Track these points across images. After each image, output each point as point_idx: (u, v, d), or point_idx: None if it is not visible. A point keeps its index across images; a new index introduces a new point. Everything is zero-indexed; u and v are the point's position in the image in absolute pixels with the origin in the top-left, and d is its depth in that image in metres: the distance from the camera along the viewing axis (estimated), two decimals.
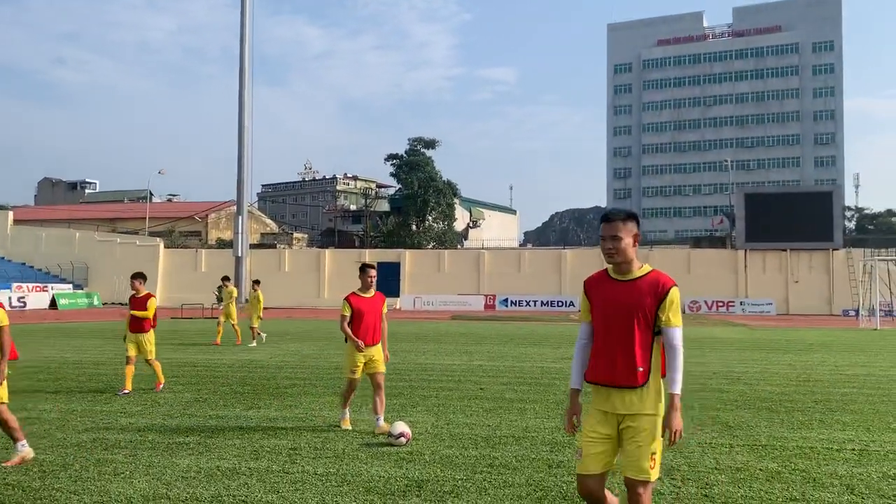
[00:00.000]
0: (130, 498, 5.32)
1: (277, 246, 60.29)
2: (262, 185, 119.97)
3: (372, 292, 7.92)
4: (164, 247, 53.46)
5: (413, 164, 69.67)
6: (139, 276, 10.81)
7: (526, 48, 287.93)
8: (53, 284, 47.48)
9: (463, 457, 6.61)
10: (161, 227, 64.74)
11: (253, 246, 54.95)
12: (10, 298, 41.61)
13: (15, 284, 43.80)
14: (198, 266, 51.97)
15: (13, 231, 55.29)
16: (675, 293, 3.75)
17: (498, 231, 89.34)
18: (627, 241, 3.79)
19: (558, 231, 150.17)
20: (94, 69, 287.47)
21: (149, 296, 10.68)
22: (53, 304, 44.17)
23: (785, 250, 47.13)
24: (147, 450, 6.82)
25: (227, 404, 9.47)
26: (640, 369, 3.70)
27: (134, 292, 10.73)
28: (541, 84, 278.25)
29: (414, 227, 70.40)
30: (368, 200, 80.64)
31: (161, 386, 10.77)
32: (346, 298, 7.86)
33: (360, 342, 7.72)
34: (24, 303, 42.54)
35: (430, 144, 71.83)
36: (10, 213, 57.97)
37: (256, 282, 19.92)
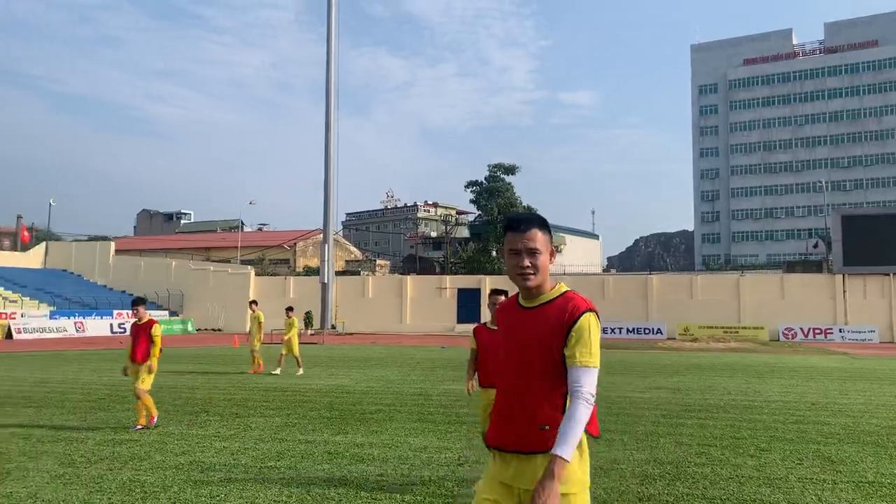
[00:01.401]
0: None
1: (361, 273, 61.38)
2: (347, 214, 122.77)
3: None
4: (255, 274, 55.24)
5: (493, 191, 69.86)
6: (141, 302, 10.00)
7: (606, 71, 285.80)
8: (151, 311, 49.75)
9: None
10: (252, 255, 67.03)
11: (338, 273, 56.15)
12: (111, 325, 43.83)
13: (116, 312, 46.13)
14: (286, 293, 53.40)
15: (115, 261, 58.32)
16: (587, 321, 2.80)
17: (580, 257, 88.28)
18: (546, 256, 2.93)
19: (643, 256, 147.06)
20: (188, 104, 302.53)
21: (152, 322, 9.85)
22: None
23: (888, 274, 44.63)
24: (240, 473, 7.03)
25: (315, 429, 9.66)
26: (546, 427, 2.78)
27: (136, 319, 9.94)
28: (622, 107, 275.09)
29: (494, 253, 70.37)
30: (448, 227, 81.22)
31: (154, 420, 9.74)
32: (473, 331, 6.74)
33: (470, 384, 6.54)
34: (125, 329, 44.66)
35: (510, 170, 71.91)
36: (112, 244, 61.21)
37: (290, 308, 19.49)
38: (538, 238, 2.91)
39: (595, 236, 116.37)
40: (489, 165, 72.18)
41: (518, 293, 3.04)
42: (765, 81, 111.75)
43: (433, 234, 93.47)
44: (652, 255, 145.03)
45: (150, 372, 9.74)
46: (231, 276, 54.60)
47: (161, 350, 9.87)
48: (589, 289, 50.15)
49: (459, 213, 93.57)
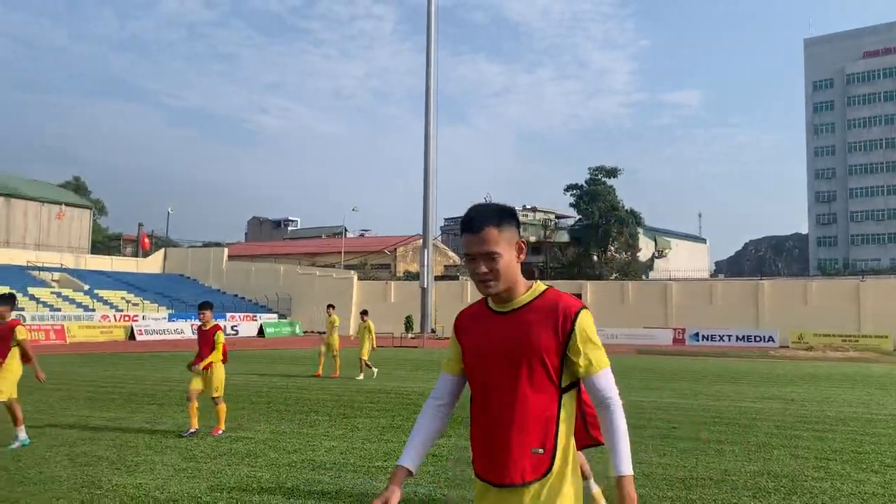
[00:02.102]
0: None
1: (460, 277, 61.84)
2: (446, 219, 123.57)
3: None
4: (358, 279, 56.66)
5: (594, 194, 68.81)
6: (208, 307, 9.78)
7: (710, 69, 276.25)
8: (261, 314, 51.87)
9: (657, 497, 6.38)
10: (355, 260, 68.83)
11: (437, 278, 56.83)
12: (224, 327, 46.03)
13: (229, 314, 48.39)
14: (387, 297, 54.51)
15: (227, 266, 61.21)
16: (586, 319, 2.43)
17: (686, 261, 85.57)
18: (509, 256, 2.44)
19: (754, 260, 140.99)
20: (294, 116, 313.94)
21: (216, 328, 9.64)
22: (261, 332, 48.22)
23: None
24: (349, 472, 7.26)
25: (392, 436, 9.81)
26: (540, 451, 2.36)
27: (201, 324, 9.78)
28: (728, 106, 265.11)
29: (595, 258, 69.29)
30: (547, 231, 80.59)
31: (220, 431, 9.51)
32: None
33: None
34: (237, 331, 46.82)
35: (612, 173, 70.62)
36: (225, 250, 64.31)
37: (365, 312, 19.38)
38: (494, 238, 2.41)
39: (702, 240, 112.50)
40: (589, 168, 71.16)
41: (484, 297, 2.60)
42: (887, 74, 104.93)
43: (532, 239, 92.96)
44: (763, 259, 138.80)
45: (217, 378, 9.58)
46: (335, 281, 56.19)
47: (225, 355, 9.66)
48: (696, 295, 48.56)
49: (559, 217, 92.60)
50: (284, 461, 7.77)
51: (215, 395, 9.57)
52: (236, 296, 56.61)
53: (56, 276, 49.29)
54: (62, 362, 22.28)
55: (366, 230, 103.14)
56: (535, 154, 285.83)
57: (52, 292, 44.17)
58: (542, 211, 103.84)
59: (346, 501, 6.15)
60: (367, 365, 18.28)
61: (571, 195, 70.94)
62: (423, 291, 49.35)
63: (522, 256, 2.49)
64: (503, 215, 2.45)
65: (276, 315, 53.28)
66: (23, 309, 38.40)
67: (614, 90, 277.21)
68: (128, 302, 47.00)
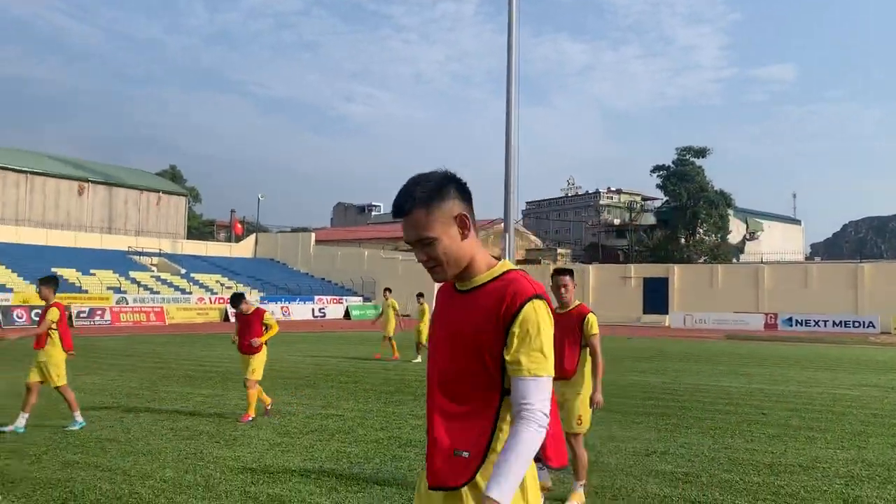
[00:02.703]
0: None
1: (542, 262, 61.49)
2: (527, 202, 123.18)
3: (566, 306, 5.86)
4: None
5: (681, 175, 66.94)
6: (241, 298, 9.66)
7: (807, 40, 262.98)
8: (347, 297, 53.13)
9: (744, 482, 6.32)
10: None
11: (519, 262, 56.72)
12: (313, 310, 47.40)
13: (317, 297, 49.80)
14: None
15: (315, 250, 62.88)
16: (532, 312, 2.04)
17: (779, 243, 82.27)
18: (448, 237, 2.11)
19: (853, 242, 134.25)
20: (376, 102, 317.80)
21: (261, 311, 9.54)
22: (347, 314, 49.42)
23: None
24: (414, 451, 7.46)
25: None
26: (464, 455, 2.04)
27: (240, 311, 9.60)
28: (825, 79, 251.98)
29: (683, 241, 67.54)
30: (633, 214, 79.07)
31: (248, 419, 9.09)
32: None
33: None
34: (324, 313, 48.16)
35: (700, 153, 68.47)
36: (313, 235, 66.03)
37: (421, 294, 19.42)
38: (423, 221, 2.09)
39: (797, 221, 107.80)
40: (677, 148, 69.23)
41: None
42: None
43: (616, 222, 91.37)
44: (863, 241, 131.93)
45: (258, 360, 9.39)
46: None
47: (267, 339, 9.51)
48: (789, 278, 46.74)
49: (645, 199, 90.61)
50: (372, 438, 8.06)
51: (251, 377, 9.26)
52: (323, 279, 58.12)
53: (155, 260, 51.92)
54: (162, 342, 23.54)
55: None
56: (619, 134, 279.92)
57: (151, 276, 46.55)
58: (627, 193, 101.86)
59: None
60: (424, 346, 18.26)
61: (658, 176, 69.26)
62: None
63: (469, 232, 2.13)
64: (431, 191, 2.09)
65: (360, 298, 54.44)
66: (125, 292, 40.67)
67: (702, 66, 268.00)
68: (222, 285, 49.02)
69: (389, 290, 19.86)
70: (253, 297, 46.68)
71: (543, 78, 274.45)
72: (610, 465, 6.90)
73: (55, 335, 8.35)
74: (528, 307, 2.02)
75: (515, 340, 2.01)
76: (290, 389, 12.19)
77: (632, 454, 7.44)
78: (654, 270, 50.77)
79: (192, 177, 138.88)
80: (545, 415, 1.97)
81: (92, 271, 43.07)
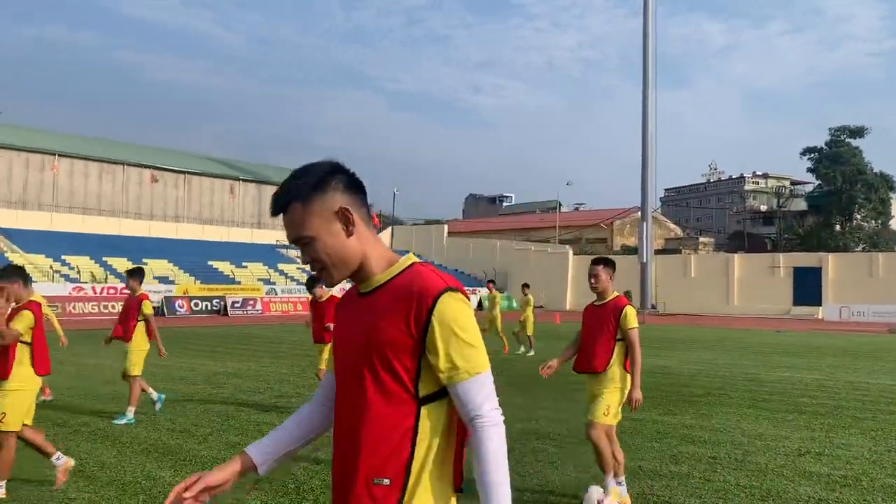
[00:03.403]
0: (566, 485, 5.92)
1: (682, 251, 59.31)
2: (665, 190, 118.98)
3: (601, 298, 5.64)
4: (573, 253, 56.51)
5: (835, 157, 62.32)
6: (319, 282, 9.09)
7: None
8: (479, 288, 53.64)
9: None
10: (569, 234, 68.65)
11: (657, 251, 55.00)
12: None
13: None
14: None
15: (448, 242, 63.91)
16: (448, 306, 1.78)
17: None
18: (329, 235, 1.87)
19: None
20: (506, 93, 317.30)
21: (334, 299, 9.03)
22: (480, 305, 49.91)
23: None
24: (573, 444, 7.46)
25: (642, 408, 9.72)
26: (385, 482, 1.76)
27: (314, 297, 9.31)
28: None
29: (838, 228, 62.94)
30: (781, 200, 74.56)
31: None
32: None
33: (548, 367, 5.72)
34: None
35: (857, 133, 63.43)
36: (445, 227, 67.15)
37: (526, 285, 18.95)
38: (299, 218, 1.86)
39: None
40: (830, 129, 64.48)
41: None
42: None
43: (763, 208, 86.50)
44: None
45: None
46: (550, 256, 56.48)
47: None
48: None
49: (794, 183, 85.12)
50: (510, 430, 8.14)
51: (325, 367, 9.04)
52: (456, 270, 58.98)
53: (300, 253, 54.58)
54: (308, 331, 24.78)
55: (580, 204, 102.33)
56: (764, 115, 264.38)
57: (297, 268, 49.05)
58: (774, 177, 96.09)
59: (571, 470, 6.36)
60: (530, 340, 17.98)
61: (809, 159, 64.85)
62: (643, 266, 48.05)
63: (355, 228, 1.88)
64: (309, 184, 1.86)
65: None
66: (274, 284, 43.12)
67: (859, 37, 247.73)
68: None
69: (493, 283, 19.67)
70: None
71: (681, 60, 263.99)
72: (759, 465, 6.62)
73: (141, 326, 8.49)
74: (441, 302, 1.76)
75: (439, 342, 1.75)
76: None
77: (783, 454, 7.10)
78: (806, 260, 47.67)
79: None
80: (496, 410, 1.77)
81: (244, 264, 45.98)
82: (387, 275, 1.89)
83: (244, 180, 59.94)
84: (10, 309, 5.55)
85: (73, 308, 31.43)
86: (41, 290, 31.40)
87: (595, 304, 5.65)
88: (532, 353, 17.61)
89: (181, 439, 7.48)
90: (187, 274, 40.79)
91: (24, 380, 5.44)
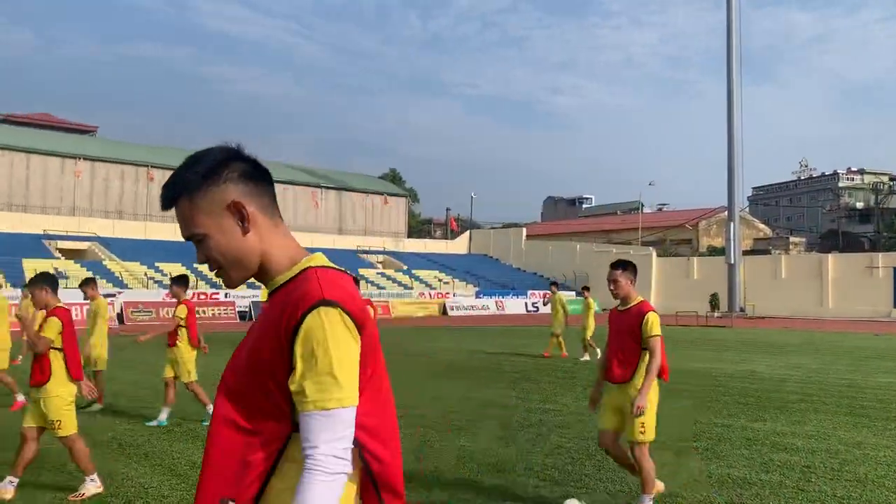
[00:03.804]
0: (636, 491, 5.77)
1: (772, 251, 57.07)
2: (753, 188, 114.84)
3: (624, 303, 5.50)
4: (657, 255, 55.22)
5: None
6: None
7: None
8: (560, 292, 53.10)
9: None
10: (652, 236, 67.13)
11: (745, 252, 53.13)
12: (525, 304, 47.94)
13: (530, 292, 50.32)
14: (689, 274, 52.36)
15: (526, 245, 63.53)
16: (317, 323, 1.56)
17: None
18: (221, 233, 1.68)
19: None
20: (585, 92, 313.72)
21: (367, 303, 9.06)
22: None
23: None
24: (657, 449, 7.23)
25: (731, 414, 9.45)
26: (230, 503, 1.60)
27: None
28: None
29: None
30: (879, 196, 70.79)
31: None
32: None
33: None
34: (537, 307, 48.50)
35: None
36: (524, 230, 66.80)
37: (586, 288, 18.08)
38: (187, 213, 1.67)
39: None
40: None
41: None
42: None
43: (859, 206, 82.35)
44: None
45: None
46: (633, 258, 55.33)
47: None
48: None
49: (893, 178, 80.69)
50: (593, 435, 7.99)
51: None
52: (535, 274, 58.55)
53: (380, 258, 55.48)
54: (388, 335, 25.10)
55: (664, 204, 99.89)
56: (860, 109, 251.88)
57: (377, 273, 49.79)
58: (871, 173, 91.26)
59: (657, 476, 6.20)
60: (591, 345, 17.01)
61: None
62: (731, 268, 46.49)
63: (251, 224, 1.68)
64: (197, 173, 1.66)
65: (573, 293, 54.15)
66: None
67: None
68: (440, 280, 51.21)
69: (556, 285, 19.02)
70: (469, 292, 48.20)
71: (767, 53, 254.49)
72: (858, 475, 6.28)
73: (184, 332, 8.56)
74: (311, 317, 1.55)
75: (298, 361, 1.55)
76: (509, 383, 12.47)
77: (884, 464, 6.71)
78: None
79: (411, 178, 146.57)
80: (338, 458, 1.52)
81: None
82: (283, 277, 1.69)
83: (326, 188, 61.30)
84: (39, 316, 5.79)
85: (166, 313, 32.83)
86: (136, 296, 33.02)
87: (619, 309, 5.43)
88: (586, 357, 16.91)
89: None
90: None
91: (60, 385, 5.54)
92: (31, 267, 34.27)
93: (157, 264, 40.14)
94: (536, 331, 27.18)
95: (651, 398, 5.08)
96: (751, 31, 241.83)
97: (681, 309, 39.80)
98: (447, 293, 46.93)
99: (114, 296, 32.76)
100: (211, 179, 1.65)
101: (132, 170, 50.93)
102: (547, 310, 18.21)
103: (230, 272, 1.69)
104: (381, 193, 65.75)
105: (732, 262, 46.37)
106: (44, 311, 5.70)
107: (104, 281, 34.97)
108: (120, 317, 31.36)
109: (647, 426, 5.07)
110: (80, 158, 48.63)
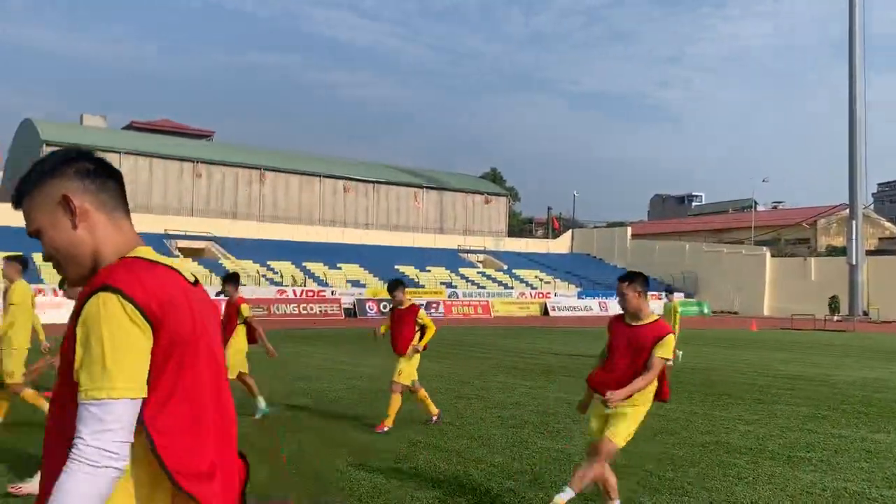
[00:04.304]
0: (755, 502, 5.49)
1: None
2: (878, 184, 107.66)
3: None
4: (771, 255, 52.68)
5: None
6: (401, 286, 8.27)
7: None
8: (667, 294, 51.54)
9: None
10: (766, 235, 64.03)
11: (869, 252, 49.80)
12: None
13: None
14: (807, 275, 49.65)
15: (631, 245, 62.02)
16: (96, 307, 1.53)
17: None
18: (54, 228, 1.69)
19: None
20: (694, 86, 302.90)
21: (416, 308, 8.23)
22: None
23: None
24: (767, 459, 6.91)
25: (849, 424, 8.87)
26: None
27: (394, 304, 8.30)
28: None
29: None
30: None
31: (383, 429, 7.94)
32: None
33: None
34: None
35: None
36: (629, 229, 65.21)
37: (670, 290, 17.05)
38: (27, 211, 1.70)
39: None
40: None
41: None
42: None
43: None
44: None
45: (413, 363, 8.19)
46: (745, 258, 53.05)
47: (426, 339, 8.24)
48: None
49: None
50: (698, 441, 7.72)
51: (397, 379, 8.08)
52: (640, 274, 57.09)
53: (480, 257, 55.61)
54: (488, 334, 25.11)
55: (779, 202, 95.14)
56: None
57: (477, 272, 49.92)
58: None
59: (763, 487, 5.89)
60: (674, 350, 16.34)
61: None
62: (852, 268, 43.77)
63: (80, 219, 1.67)
64: (36, 173, 1.69)
65: (682, 294, 52.43)
66: (456, 287, 44.15)
67: None
68: (541, 280, 50.78)
69: (671, 292, 18.28)
70: (570, 292, 47.53)
71: (893, 40, 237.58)
72: None
73: (241, 329, 8.57)
74: (90, 302, 1.53)
75: (78, 349, 1.52)
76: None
77: None
78: None
79: (511, 177, 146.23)
80: (104, 452, 1.45)
81: (427, 268, 47.55)
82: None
83: (427, 188, 62.03)
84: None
85: (277, 309, 34.13)
86: (249, 293, 34.49)
87: (629, 322, 4.99)
88: (670, 363, 16.09)
89: (366, 434, 7.84)
90: (376, 278, 42.92)
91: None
92: None
93: (268, 262, 41.78)
94: None
95: (640, 412, 4.83)
96: (874, 16, 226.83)
97: (796, 311, 37.77)
98: (548, 293, 46.48)
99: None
100: (47, 176, 1.67)
101: (246, 172, 53.27)
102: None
103: (66, 267, 1.69)
104: (482, 193, 65.89)
105: (855, 262, 43.64)
106: None
107: (219, 278, 36.76)
108: None
109: (625, 432, 4.80)
110: (198, 162, 51.35)
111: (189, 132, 67.42)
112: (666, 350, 4.79)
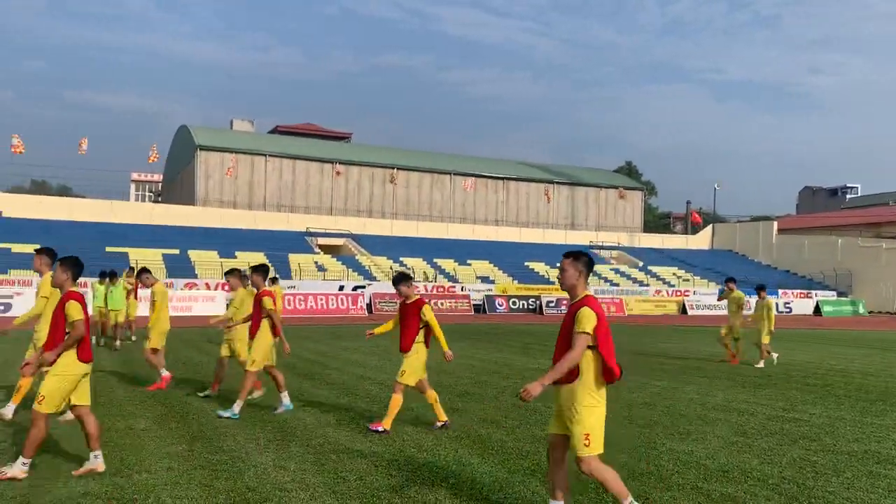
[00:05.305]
0: None
1: None
2: None
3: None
4: None
5: None
6: (406, 279, 7.84)
7: None
8: (817, 291, 48.19)
9: None
10: None
11: None
12: (777, 304, 44.20)
13: (781, 291, 46.26)
14: None
15: (777, 240, 58.49)
16: None
17: None
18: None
19: None
20: (848, 70, 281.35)
21: (422, 302, 7.76)
22: (817, 310, 44.84)
23: None
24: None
25: None
26: None
27: (403, 298, 7.83)
28: None
29: None
30: None
31: (377, 427, 7.59)
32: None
33: None
34: (790, 308, 44.52)
35: None
36: (775, 224, 61.50)
37: (762, 287, 15.43)
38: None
39: None
40: None
41: None
42: None
43: None
44: None
45: (418, 360, 7.66)
46: None
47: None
48: None
49: None
50: (843, 449, 7.20)
51: (400, 379, 7.61)
52: (787, 271, 53.80)
53: (614, 253, 54.35)
54: (622, 332, 24.51)
55: None
56: None
57: (610, 269, 48.81)
58: None
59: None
60: (769, 352, 14.86)
61: None
62: None
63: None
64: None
65: (834, 293, 48.87)
66: (588, 284, 43.41)
67: None
68: (679, 277, 48.94)
69: (734, 281, 16.20)
70: (710, 290, 45.46)
71: None
72: None
73: (266, 322, 8.50)
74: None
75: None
76: (749, 388, 11.61)
77: None
78: None
79: (648, 171, 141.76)
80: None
81: (558, 264, 47.02)
82: None
83: (558, 183, 61.39)
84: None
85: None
86: (383, 288, 35.53)
87: (571, 302, 4.80)
88: (761, 364, 14.65)
89: (491, 429, 7.90)
90: (506, 274, 42.97)
91: (68, 366, 5.65)
92: (296, 261, 38.38)
93: (401, 259, 42.88)
94: (785, 334, 25.05)
95: (596, 404, 4.54)
96: None
97: None
98: (686, 291, 44.74)
99: (363, 287, 35.66)
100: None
101: (380, 172, 54.95)
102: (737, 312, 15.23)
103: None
104: (616, 187, 64.39)
105: None
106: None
107: (355, 274, 38.16)
108: (369, 307, 33.97)
109: (591, 437, 4.49)
110: (336, 163, 53.52)
111: (329, 134, 70.40)
112: (582, 324, 4.51)
